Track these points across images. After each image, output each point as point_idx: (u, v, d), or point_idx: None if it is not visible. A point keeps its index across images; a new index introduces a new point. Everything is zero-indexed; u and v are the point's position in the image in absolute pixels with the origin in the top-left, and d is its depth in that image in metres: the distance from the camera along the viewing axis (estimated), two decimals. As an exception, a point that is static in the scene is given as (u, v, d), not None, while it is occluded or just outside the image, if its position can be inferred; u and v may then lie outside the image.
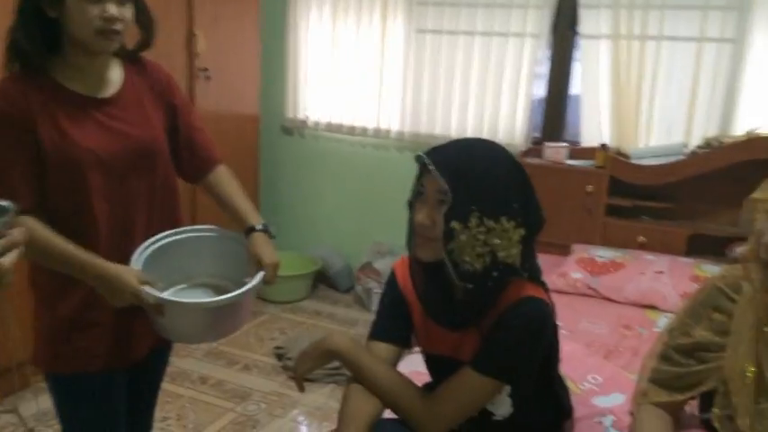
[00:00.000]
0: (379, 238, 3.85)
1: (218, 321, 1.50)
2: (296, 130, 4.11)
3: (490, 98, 3.50)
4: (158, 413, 2.63)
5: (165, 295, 1.43)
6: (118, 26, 1.40)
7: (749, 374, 1.15)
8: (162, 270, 1.49)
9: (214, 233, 1.63)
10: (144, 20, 1.52)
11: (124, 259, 1.45)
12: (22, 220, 1.29)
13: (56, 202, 1.40)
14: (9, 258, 1.05)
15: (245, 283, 1.47)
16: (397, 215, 3.75)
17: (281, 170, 4.18)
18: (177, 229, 1.58)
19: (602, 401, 1.79)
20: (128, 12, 1.43)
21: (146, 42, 1.55)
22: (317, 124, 4.00)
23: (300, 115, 4.05)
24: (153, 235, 1.53)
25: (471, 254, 1.20)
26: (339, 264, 4.00)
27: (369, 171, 3.94)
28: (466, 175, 1.20)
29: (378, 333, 1.42)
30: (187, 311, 1.46)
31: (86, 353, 1.50)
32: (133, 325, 1.54)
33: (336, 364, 1.44)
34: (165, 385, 2.83)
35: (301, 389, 1.44)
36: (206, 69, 3.39)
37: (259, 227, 1.57)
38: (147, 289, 1.39)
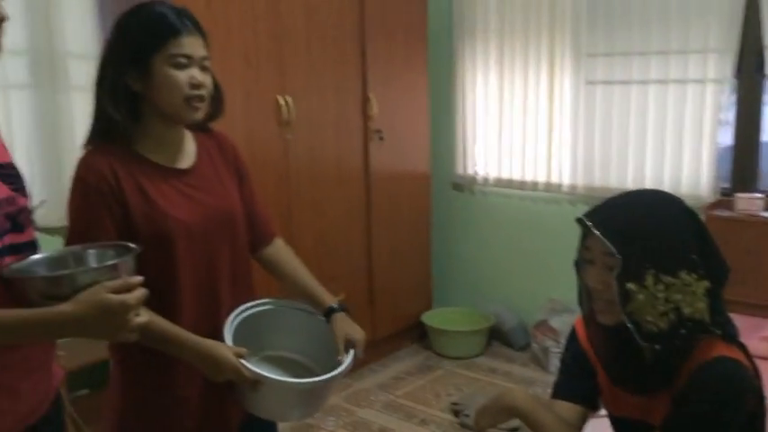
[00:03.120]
0: (555, 294, 3.74)
1: (309, 400, 1.51)
2: (466, 186, 4.16)
3: (670, 148, 3.33)
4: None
5: (256, 369, 1.42)
6: (203, 92, 1.44)
7: None
8: (239, 340, 1.48)
9: (297, 308, 1.66)
10: (214, 91, 1.52)
11: (210, 331, 1.46)
12: None
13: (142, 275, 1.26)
14: (135, 295, 1.14)
15: (324, 360, 1.51)
16: (572, 271, 3.61)
17: (453, 226, 4.23)
18: (258, 301, 1.60)
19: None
20: (208, 79, 1.46)
21: (216, 112, 1.56)
22: (486, 180, 4.02)
23: (470, 171, 4.10)
24: (237, 304, 1.55)
25: (653, 313, 1.14)
26: (513, 320, 3.92)
27: (541, 226, 3.87)
28: (633, 234, 1.15)
29: (560, 391, 1.37)
30: (282, 389, 1.45)
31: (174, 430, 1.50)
32: (223, 400, 1.52)
33: (515, 424, 1.42)
34: (348, 436, 2.95)
35: None
36: (379, 131, 3.56)
37: (337, 306, 1.60)
38: (245, 363, 1.40)
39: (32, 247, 1.25)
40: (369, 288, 3.62)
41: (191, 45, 1.41)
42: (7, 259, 1.16)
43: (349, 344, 1.56)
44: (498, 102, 3.89)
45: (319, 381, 1.47)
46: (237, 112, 2.84)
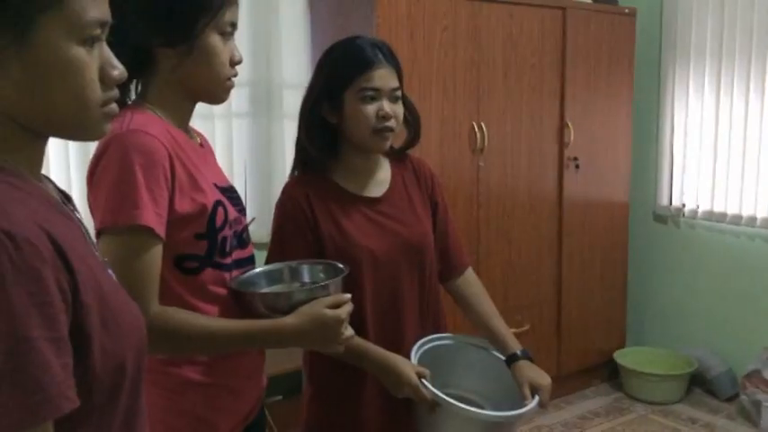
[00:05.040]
0: (770, 343, 3.34)
1: None
2: (670, 218, 3.87)
3: None
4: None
5: (436, 391, 1.40)
6: (391, 123, 1.48)
7: None
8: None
9: (479, 346, 1.61)
10: (411, 118, 1.57)
11: None
12: None
13: None
14: (346, 309, 1.25)
15: (502, 404, 1.45)
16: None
17: (653, 261, 3.95)
18: (439, 335, 1.58)
19: None
20: (399, 109, 1.50)
21: (413, 140, 1.60)
22: (694, 212, 3.71)
23: (676, 202, 3.81)
24: (423, 333, 1.55)
25: None
26: (719, 368, 3.56)
27: (758, 266, 3.47)
28: None
29: None
30: (458, 417, 1.41)
31: None
32: (402, 426, 1.53)
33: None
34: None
35: None
36: (575, 158, 3.44)
37: (520, 353, 1.55)
38: (426, 383, 1.40)
39: (252, 260, 1.40)
40: (557, 321, 3.49)
41: (380, 78, 1.47)
42: (234, 272, 1.31)
43: (534, 389, 1.52)
44: (713, 128, 3.58)
45: (498, 416, 1.44)
46: (432, 139, 2.90)
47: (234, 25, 1.26)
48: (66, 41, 0.72)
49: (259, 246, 2.90)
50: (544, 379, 1.53)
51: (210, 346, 1.23)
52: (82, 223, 0.85)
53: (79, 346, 0.69)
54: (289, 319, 1.23)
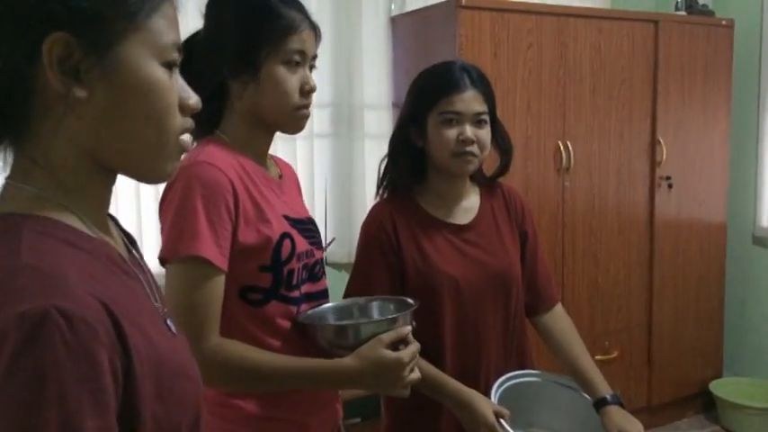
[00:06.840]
0: None
1: None
2: (771, 240, 3.64)
3: None
4: None
5: None
6: (473, 148, 1.43)
7: None
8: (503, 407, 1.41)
9: (567, 386, 1.52)
10: (503, 144, 1.53)
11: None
12: None
13: None
14: (409, 351, 1.18)
15: None
16: None
17: (752, 285, 3.70)
18: (524, 371, 1.51)
19: None
20: (483, 134, 1.46)
21: (503, 169, 1.56)
22: (799, 235, 3.47)
23: (777, 224, 3.58)
24: (506, 368, 1.48)
25: None
26: (828, 404, 3.30)
27: None
28: None
29: None
30: None
31: None
32: None
33: None
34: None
35: None
36: (668, 177, 3.28)
37: (610, 398, 1.46)
38: (504, 424, 1.33)
39: (325, 295, 1.37)
40: (647, 348, 3.32)
41: (462, 101, 1.45)
42: (303, 306, 1.28)
43: None
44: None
45: None
46: (516, 158, 2.75)
47: (303, 53, 1.22)
48: (149, 61, 0.71)
49: (339, 266, 2.90)
50: (635, 427, 1.43)
51: (262, 382, 1.19)
52: (146, 271, 0.81)
53: (127, 426, 0.66)
54: (347, 361, 1.18)
